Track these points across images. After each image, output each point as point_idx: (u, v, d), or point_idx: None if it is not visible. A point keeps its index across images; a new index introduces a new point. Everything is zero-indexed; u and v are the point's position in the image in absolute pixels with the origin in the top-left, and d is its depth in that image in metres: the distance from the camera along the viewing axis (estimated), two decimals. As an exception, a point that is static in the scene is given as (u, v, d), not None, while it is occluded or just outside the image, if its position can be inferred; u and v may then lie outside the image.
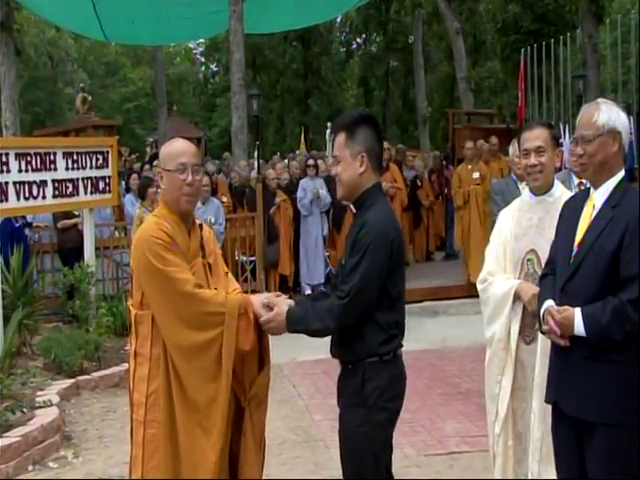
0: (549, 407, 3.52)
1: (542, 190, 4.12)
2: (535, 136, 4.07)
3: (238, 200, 13.08)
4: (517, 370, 4.06)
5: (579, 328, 3.19)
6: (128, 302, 3.74)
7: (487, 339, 4.25)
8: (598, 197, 3.36)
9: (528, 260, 4.08)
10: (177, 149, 3.65)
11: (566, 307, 3.24)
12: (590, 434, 3.22)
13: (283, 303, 3.58)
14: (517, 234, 4.16)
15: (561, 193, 4.10)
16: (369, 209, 3.54)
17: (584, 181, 6.57)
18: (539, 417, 3.89)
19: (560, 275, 3.37)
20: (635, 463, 3.17)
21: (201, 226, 3.79)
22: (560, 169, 5.65)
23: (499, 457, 4.13)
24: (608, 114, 3.36)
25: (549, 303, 3.35)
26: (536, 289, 3.73)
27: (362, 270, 3.42)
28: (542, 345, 3.85)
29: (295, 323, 3.51)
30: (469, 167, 12.74)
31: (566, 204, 3.59)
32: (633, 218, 3.18)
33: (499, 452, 4.12)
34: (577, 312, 3.20)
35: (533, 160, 4.05)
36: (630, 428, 3.17)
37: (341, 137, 3.60)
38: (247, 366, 3.60)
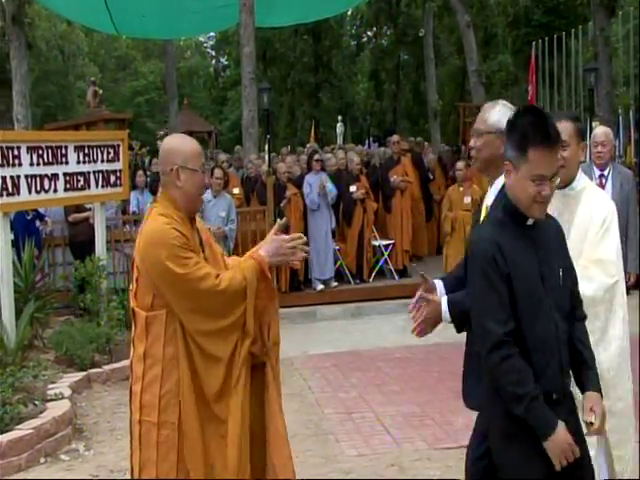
0: None
1: (564, 183, 4.07)
2: (560, 129, 4.03)
3: (251, 190, 13.10)
4: None
5: (445, 315, 3.52)
6: (131, 304, 3.68)
7: None
8: (489, 198, 3.60)
9: None
10: (197, 148, 3.64)
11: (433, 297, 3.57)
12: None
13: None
14: None
15: (584, 186, 4.02)
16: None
17: (605, 173, 6.58)
18: None
19: None
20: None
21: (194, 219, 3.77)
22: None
23: None
24: (500, 115, 3.55)
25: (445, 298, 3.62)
26: None
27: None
28: None
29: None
30: (461, 189, 11.93)
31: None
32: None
33: None
34: (443, 301, 3.54)
35: None
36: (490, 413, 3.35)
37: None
38: (262, 315, 3.60)
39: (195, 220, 3.70)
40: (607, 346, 3.82)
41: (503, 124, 3.45)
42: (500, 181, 3.54)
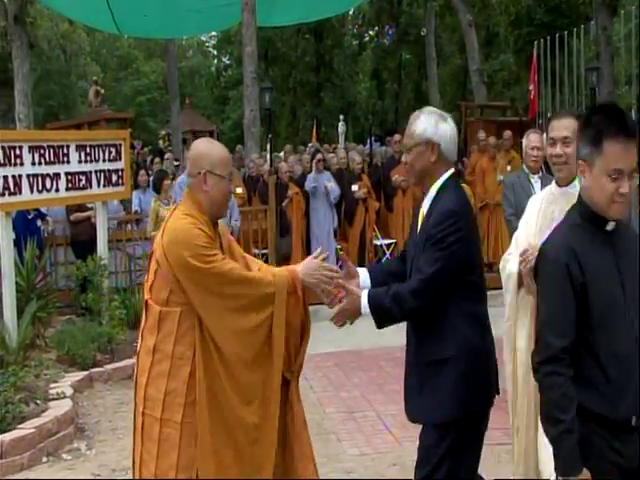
0: None
1: (566, 181, 4.08)
2: (563, 126, 4.03)
3: (253, 190, 13.11)
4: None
5: (365, 309, 3.51)
6: (145, 295, 3.67)
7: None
8: (425, 205, 3.60)
9: None
10: (227, 156, 3.67)
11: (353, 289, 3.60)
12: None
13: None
14: (542, 226, 4.12)
15: None
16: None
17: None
18: None
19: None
20: (443, 460, 3.43)
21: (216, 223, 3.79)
22: None
23: (517, 437, 4.12)
24: (425, 125, 3.55)
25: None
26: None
27: None
28: None
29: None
30: None
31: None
32: (433, 217, 3.46)
33: (520, 437, 4.12)
34: (363, 294, 3.53)
35: (558, 150, 4.02)
36: (428, 434, 3.48)
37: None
38: (292, 336, 3.60)
39: (217, 224, 3.72)
40: None
41: (429, 132, 3.52)
42: (435, 187, 3.55)
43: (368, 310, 3.52)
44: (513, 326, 4.11)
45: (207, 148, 3.68)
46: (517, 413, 4.19)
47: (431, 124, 3.54)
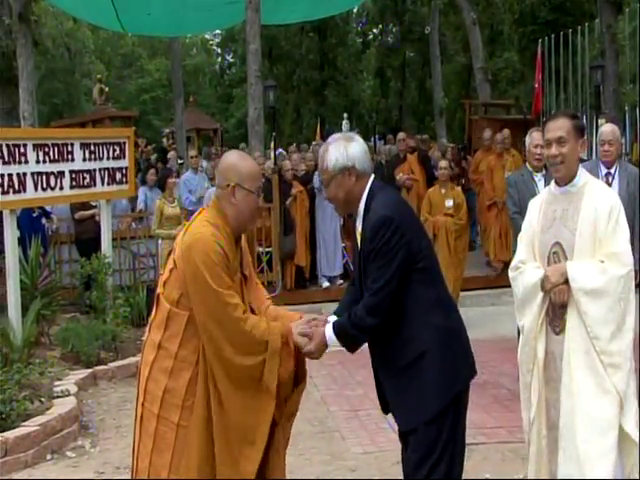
0: (576, 395, 3.80)
1: (565, 181, 4.09)
2: (557, 126, 4.04)
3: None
4: (549, 361, 4.04)
5: (331, 340, 3.62)
6: (158, 289, 3.65)
7: (519, 327, 4.24)
8: (359, 225, 3.67)
9: (554, 253, 4.04)
10: (257, 170, 3.68)
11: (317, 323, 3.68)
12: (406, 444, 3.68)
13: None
14: (543, 226, 4.13)
15: (585, 182, 4.06)
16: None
17: (612, 171, 6.57)
18: (566, 406, 3.89)
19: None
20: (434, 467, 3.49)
21: (240, 239, 3.76)
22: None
23: (533, 445, 4.11)
24: (335, 155, 3.61)
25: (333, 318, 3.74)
26: (558, 280, 3.89)
27: None
28: (568, 334, 3.90)
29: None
30: (443, 191, 10.57)
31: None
32: (366, 233, 3.55)
33: (533, 441, 4.11)
34: (328, 326, 3.62)
35: (554, 151, 4.02)
36: (426, 432, 3.50)
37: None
38: (284, 385, 3.58)
39: (240, 239, 3.71)
40: (624, 336, 3.84)
41: (340, 161, 3.59)
42: (362, 204, 3.62)
43: (334, 340, 3.61)
44: (534, 338, 4.08)
45: (237, 160, 3.66)
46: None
47: (340, 152, 3.62)
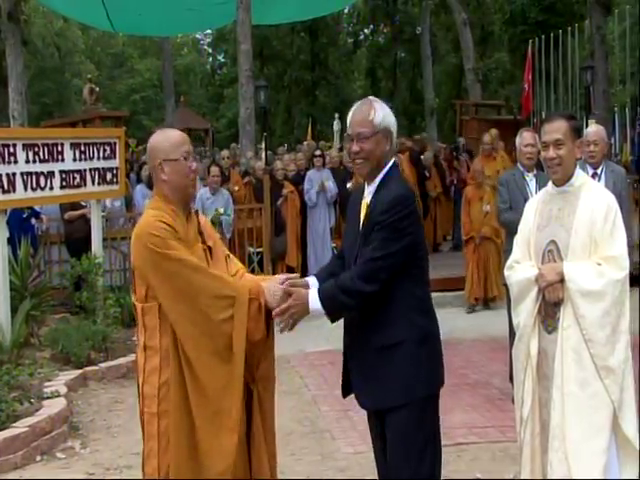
0: (567, 395, 3.80)
1: (562, 182, 4.10)
2: (554, 129, 4.04)
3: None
4: (541, 359, 4.04)
5: (314, 305, 3.47)
6: (132, 299, 3.69)
7: (515, 326, 4.24)
8: (367, 196, 3.60)
9: (549, 252, 4.05)
10: (177, 138, 3.64)
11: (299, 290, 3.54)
12: (386, 423, 3.56)
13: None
14: (539, 224, 4.14)
15: (582, 183, 4.08)
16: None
17: (597, 171, 6.59)
18: (558, 406, 3.89)
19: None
20: (425, 443, 3.47)
21: (197, 213, 3.77)
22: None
23: (527, 446, 4.11)
24: (382, 113, 3.55)
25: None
26: (553, 279, 3.90)
27: None
28: (562, 334, 3.90)
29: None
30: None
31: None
32: (380, 205, 3.46)
33: (526, 441, 4.10)
34: (311, 290, 3.53)
35: (552, 153, 4.03)
36: (415, 408, 3.45)
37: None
38: (254, 346, 3.54)
39: (192, 214, 3.70)
40: (618, 339, 3.84)
41: (387, 121, 3.54)
42: (379, 178, 3.56)
43: (318, 305, 3.47)
44: (528, 334, 4.08)
45: (157, 139, 3.67)
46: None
47: (387, 113, 3.56)
